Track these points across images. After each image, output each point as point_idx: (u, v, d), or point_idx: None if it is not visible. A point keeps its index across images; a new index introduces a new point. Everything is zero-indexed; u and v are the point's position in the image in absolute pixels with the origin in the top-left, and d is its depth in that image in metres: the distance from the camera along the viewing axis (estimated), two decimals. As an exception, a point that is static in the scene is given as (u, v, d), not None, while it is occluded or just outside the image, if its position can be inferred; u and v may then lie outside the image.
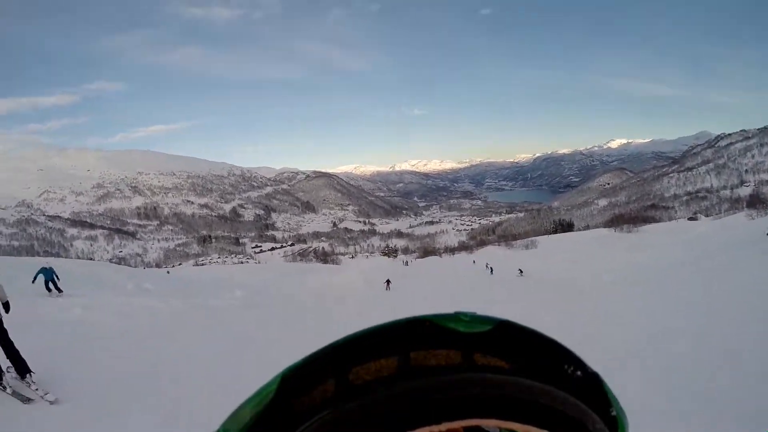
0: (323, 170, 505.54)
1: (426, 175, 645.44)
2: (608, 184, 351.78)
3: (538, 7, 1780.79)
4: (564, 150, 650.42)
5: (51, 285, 19.85)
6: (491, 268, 50.19)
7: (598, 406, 0.38)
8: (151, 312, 16.84)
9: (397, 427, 0.30)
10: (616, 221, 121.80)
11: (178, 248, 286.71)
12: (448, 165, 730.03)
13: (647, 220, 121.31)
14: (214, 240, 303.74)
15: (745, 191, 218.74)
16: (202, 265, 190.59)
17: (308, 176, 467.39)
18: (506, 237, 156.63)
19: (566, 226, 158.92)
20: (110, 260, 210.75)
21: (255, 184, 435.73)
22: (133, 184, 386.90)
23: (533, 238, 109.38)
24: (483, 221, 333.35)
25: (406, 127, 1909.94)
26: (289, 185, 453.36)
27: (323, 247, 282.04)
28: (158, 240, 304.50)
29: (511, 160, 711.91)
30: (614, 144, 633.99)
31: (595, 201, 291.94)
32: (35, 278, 19.67)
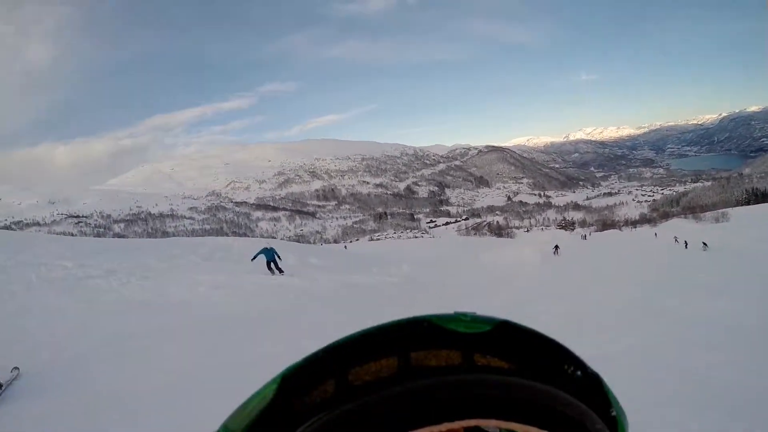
0: (495, 144, 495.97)
1: (602, 144, 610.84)
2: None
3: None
4: (754, 107, 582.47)
5: (273, 266, 19.27)
6: (685, 242, 43.41)
7: (598, 406, 0.37)
8: (284, 291, 15.42)
9: (397, 427, 0.30)
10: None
11: (354, 225, 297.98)
12: (626, 131, 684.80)
13: None
14: (389, 216, 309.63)
15: None
16: (378, 240, 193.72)
17: (480, 151, 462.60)
18: (692, 209, 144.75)
19: (761, 197, 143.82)
20: (290, 238, 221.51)
21: (428, 162, 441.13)
22: (311, 170, 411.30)
23: (723, 210, 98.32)
24: (666, 191, 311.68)
25: (576, 94, 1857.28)
26: (461, 161, 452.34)
27: (497, 221, 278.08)
28: (336, 218, 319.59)
29: (695, 122, 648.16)
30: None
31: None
32: (255, 257, 19.33)
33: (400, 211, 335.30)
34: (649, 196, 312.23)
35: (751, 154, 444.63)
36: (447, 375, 0.34)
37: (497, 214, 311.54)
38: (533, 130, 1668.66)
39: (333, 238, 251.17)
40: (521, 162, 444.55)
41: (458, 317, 0.38)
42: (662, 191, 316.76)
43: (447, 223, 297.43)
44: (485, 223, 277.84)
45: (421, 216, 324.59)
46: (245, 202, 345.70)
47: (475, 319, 0.39)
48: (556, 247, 39.05)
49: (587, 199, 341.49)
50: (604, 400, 0.38)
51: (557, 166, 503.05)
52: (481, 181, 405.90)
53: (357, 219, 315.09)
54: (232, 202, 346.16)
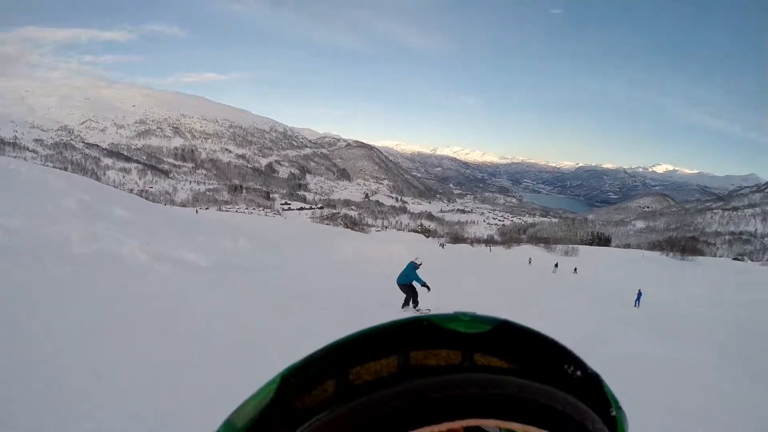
0: (365, 141, 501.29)
1: (466, 164, 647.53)
2: (648, 207, 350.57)
3: (608, 15, 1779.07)
4: (608, 165, 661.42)
5: (409, 291, 12.97)
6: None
7: (598, 406, 0.37)
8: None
9: (397, 426, 0.31)
10: (667, 246, 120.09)
11: (208, 192, 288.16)
12: (489, 158, 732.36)
13: (696, 252, 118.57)
14: (245, 190, 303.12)
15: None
16: (227, 211, 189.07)
17: (349, 144, 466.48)
18: (539, 239, 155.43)
19: (603, 240, 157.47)
20: (132, 191, 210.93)
21: (295, 143, 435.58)
22: (175, 125, 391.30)
23: (574, 245, 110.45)
24: (515, 219, 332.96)
25: (454, 113, 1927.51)
26: (328, 150, 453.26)
27: (352, 216, 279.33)
28: (189, 182, 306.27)
29: (553, 165, 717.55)
30: (660, 169, 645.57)
31: (633, 221, 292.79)
32: (409, 278, 12.79)
33: (257, 187, 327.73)
34: (499, 220, 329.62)
35: (597, 204, 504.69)
36: (447, 374, 0.34)
37: (353, 209, 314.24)
38: (404, 137, 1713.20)
39: (182, 202, 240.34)
40: (386, 164, 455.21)
41: (458, 317, 0.38)
42: (512, 218, 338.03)
43: (302, 209, 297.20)
44: (340, 215, 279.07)
45: (276, 196, 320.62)
46: (97, 146, 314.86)
47: (475, 319, 0.39)
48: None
49: (441, 211, 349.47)
50: (604, 399, 0.38)
51: (419, 175, 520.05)
52: (343, 174, 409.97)
53: (211, 187, 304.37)
54: (83, 142, 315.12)
